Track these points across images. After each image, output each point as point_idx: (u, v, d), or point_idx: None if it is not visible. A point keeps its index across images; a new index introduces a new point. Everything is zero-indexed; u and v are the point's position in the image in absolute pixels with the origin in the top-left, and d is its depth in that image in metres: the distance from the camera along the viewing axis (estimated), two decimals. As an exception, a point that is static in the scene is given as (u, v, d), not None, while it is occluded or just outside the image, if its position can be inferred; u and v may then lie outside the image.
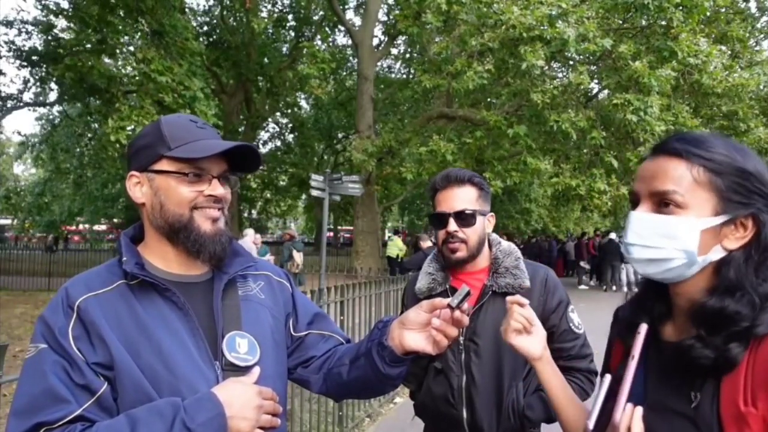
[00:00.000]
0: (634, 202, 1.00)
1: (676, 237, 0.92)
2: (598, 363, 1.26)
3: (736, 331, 0.87)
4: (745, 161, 0.92)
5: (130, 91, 12.51)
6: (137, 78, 10.92)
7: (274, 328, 1.23)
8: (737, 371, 0.87)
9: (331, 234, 35.55)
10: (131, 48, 12.48)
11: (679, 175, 0.93)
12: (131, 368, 1.03)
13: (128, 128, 10.71)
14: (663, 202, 0.94)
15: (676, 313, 1.00)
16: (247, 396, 1.05)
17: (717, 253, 0.92)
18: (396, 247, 18.58)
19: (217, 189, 1.15)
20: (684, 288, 0.97)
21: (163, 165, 1.13)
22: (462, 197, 1.81)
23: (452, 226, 1.79)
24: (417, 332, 1.13)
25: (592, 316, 4.28)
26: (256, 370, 1.12)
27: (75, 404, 1.00)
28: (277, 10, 23.12)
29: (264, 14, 21.86)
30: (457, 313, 1.10)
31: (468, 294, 1.11)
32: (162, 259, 1.17)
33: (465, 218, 1.79)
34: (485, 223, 1.86)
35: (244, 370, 1.12)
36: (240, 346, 1.14)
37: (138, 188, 1.16)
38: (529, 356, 1.25)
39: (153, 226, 1.16)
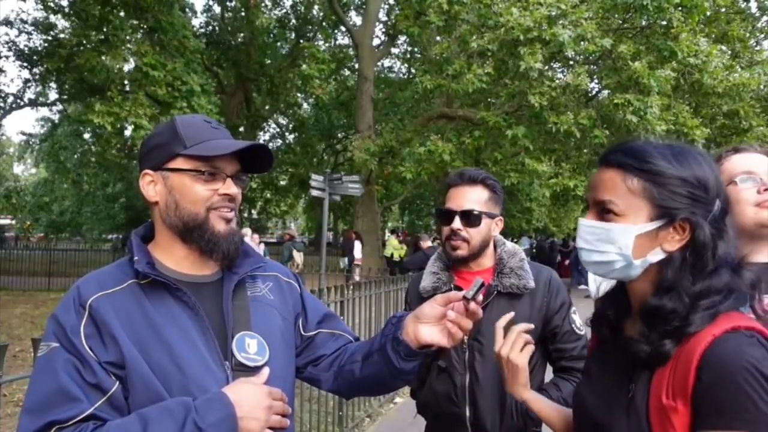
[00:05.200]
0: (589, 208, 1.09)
1: (614, 242, 1.01)
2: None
3: (669, 329, 0.94)
4: (683, 169, 0.98)
5: (127, 91, 12.48)
6: (132, 72, 10.88)
7: (283, 329, 1.24)
8: (667, 365, 0.94)
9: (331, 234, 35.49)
10: (129, 46, 12.47)
11: (615, 186, 1.01)
12: (142, 367, 1.04)
13: (125, 124, 10.62)
14: (604, 210, 1.02)
15: (634, 310, 1.07)
16: (258, 396, 1.06)
17: (657, 255, 1.00)
18: (391, 246, 18.65)
19: (231, 188, 1.16)
20: (633, 287, 1.05)
21: (179, 163, 1.14)
22: (471, 197, 1.84)
23: (457, 223, 1.82)
24: (432, 326, 1.15)
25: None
26: (266, 371, 1.13)
27: (87, 403, 1.01)
28: (278, 10, 23.10)
29: (265, 14, 21.82)
30: (472, 304, 1.12)
31: (482, 285, 1.13)
32: (172, 258, 1.18)
33: (471, 218, 1.82)
34: (492, 226, 1.88)
35: (253, 371, 1.13)
36: (249, 347, 1.15)
37: (151, 187, 1.17)
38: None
39: (166, 225, 1.17)
